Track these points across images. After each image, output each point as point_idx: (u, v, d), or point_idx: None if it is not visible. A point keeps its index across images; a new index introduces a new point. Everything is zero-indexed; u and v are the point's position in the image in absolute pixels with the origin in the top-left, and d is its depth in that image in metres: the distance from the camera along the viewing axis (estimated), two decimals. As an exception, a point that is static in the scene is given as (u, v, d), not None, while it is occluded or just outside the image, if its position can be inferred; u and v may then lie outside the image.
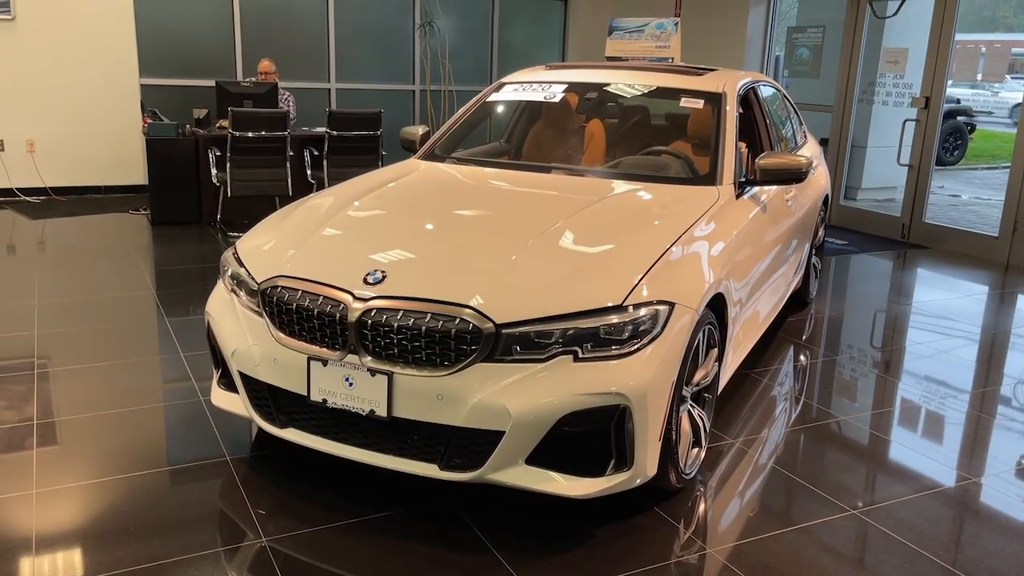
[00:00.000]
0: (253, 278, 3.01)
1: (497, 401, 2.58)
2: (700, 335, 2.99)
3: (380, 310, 2.68)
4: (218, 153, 7.30)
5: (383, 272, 2.79)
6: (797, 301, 5.45)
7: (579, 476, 2.68)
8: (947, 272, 6.86)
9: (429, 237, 3.06)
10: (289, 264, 2.97)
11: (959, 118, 13.90)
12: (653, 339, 2.69)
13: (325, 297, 2.78)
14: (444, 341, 2.61)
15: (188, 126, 7.77)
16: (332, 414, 2.82)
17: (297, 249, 3.05)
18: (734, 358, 3.67)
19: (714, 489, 3.15)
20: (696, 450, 3.16)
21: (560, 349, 2.62)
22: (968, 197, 11.28)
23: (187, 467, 3.16)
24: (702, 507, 3.01)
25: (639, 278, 2.76)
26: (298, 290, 2.85)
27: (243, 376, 3.00)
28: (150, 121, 7.61)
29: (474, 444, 2.66)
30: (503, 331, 2.60)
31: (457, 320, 2.61)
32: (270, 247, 3.16)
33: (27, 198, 8.41)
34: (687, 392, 3.01)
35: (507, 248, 2.90)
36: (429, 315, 2.64)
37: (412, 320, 2.64)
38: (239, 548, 2.66)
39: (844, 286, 6.39)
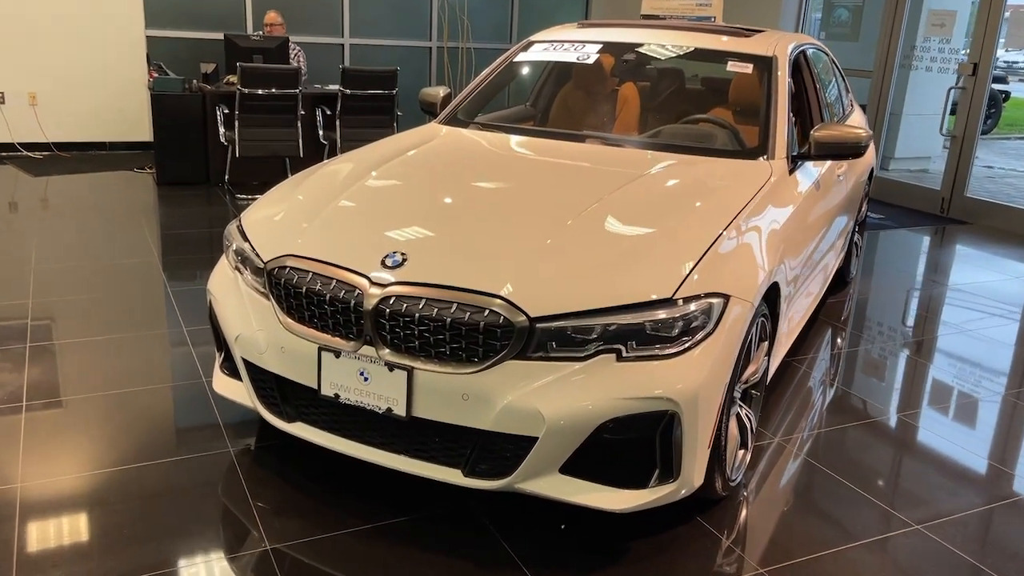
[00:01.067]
0: (259, 256, 2.72)
1: (530, 404, 2.29)
2: (753, 329, 2.69)
3: (400, 298, 2.39)
4: (226, 111, 6.97)
5: (403, 254, 2.49)
6: (837, 280, 5.13)
7: (619, 487, 2.40)
8: (991, 250, 6.52)
9: (454, 214, 2.75)
10: (300, 241, 2.67)
11: (993, 85, 13.39)
12: (705, 336, 2.40)
13: (338, 281, 2.49)
14: (471, 335, 2.33)
15: (195, 81, 7.43)
16: (345, 410, 2.55)
17: (309, 224, 2.75)
18: (782, 349, 3.38)
19: (759, 495, 2.87)
20: (742, 452, 2.88)
21: (601, 347, 2.32)
22: (1002, 169, 10.85)
23: (185, 459, 2.90)
24: (748, 517, 2.74)
25: (690, 267, 2.45)
26: (308, 272, 2.56)
27: (247, 364, 2.73)
28: (155, 75, 7.27)
29: (502, 450, 2.38)
30: (537, 325, 2.31)
31: (486, 312, 2.32)
32: (279, 220, 2.86)
33: (29, 153, 8.12)
34: (736, 391, 2.72)
35: (542, 230, 2.59)
36: (455, 305, 2.34)
37: (435, 310, 2.35)
38: (240, 555, 2.41)
39: (883, 264, 6.06)
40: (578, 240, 2.55)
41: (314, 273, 2.54)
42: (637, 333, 2.33)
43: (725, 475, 2.68)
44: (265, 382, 2.71)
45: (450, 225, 2.66)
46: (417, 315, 2.35)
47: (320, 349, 2.50)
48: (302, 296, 2.54)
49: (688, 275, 2.43)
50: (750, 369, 2.82)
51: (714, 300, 2.43)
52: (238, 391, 2.85)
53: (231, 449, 2.97)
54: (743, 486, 2.90)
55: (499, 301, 2.32)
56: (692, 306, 2.38)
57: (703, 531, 2.63)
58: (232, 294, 2.82)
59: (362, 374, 2.45)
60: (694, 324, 2.38)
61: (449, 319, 2.33)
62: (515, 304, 2.32)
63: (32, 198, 6.58)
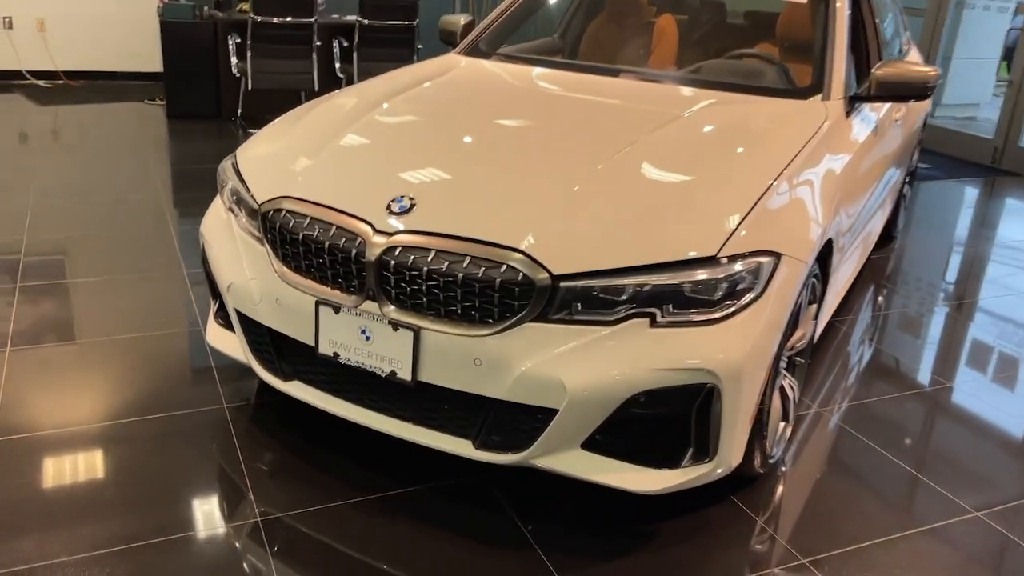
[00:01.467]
0: (253, 197, 2.45)
1: (550, 372, 2.03)
2: (804, 292, 2.40)
3: (406, 248, 2.11)
4: (238, 40, 6.64)
5: (412, 199, 2.21)
6: (883, 235, 4.79)
7: (647, 467, 2.15)
8: (1045, 205, 6.12)
9: (472, 155, 2.45)
10: (298, 182, 2.39)
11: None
12: (752, 300, 2.11)
13: (339, 227, 2.21)
14: (486, 293, 2.05)
15: (207, 8, 7.09)
16: (345, 370, 2.30)
17: (310, 162, 2.47)
18: (829, 310, 3.08)
19: (799, 473, 2.61)
20: (783, 425, 2.62)
21: (633, 310, 2.04)
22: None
23: (175, 416, 2.68)
24: (787, 498, 2.48)
25: (737, 221, 2.15)
26: (306, 216, 2.28)
27: (241, 316, 2.48)
28: (165, 1, 6.93)
29: (518, 421, 2.13)
30: (561, 284, 2.03)
31: (503, 267, 2.04)
32: (277, 158, 2.58)
33: (37, 82, 7.84)
34: (782, 360, 2.45)
35: (569, 175, 2.29)
36: (468, 259, 2.07)
37: (446, 264, 2.07)
38: (227, 527, 2.19)
39: (930, 218, 5.69)
40: (609, 188, 2.25)
41: (312, 218, 2.27)
42: (674, 295, 2.05)
43: (765, 451, 2.42)
44: (259, 336, 2.46)
45: (466, 168, 2.36)
46: (425, 269, 2.08)
47: (318, 303, 2.24)
48: (299, 243, 2.27)
49: (734, 230, 2.13)
50: (797, 335, 2.54)
51: (763, 259, 2.13)
52: (232, 344, 2.61)
53: (226, 406, 2.74)
54: (782, 462, 2.64)
55: (518, 256, 2.04)
56: (738, 265, 2.08)
57: (738, 513, 2.38)
58: (225, 238, 2.56)
59: (364, 332, 2.20)
60: (740, 286, 2.09)
61: (461, 275, 2.06)
62: (536, 259, 2.03)
63: (37, 129, 6.32)
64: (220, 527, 2.19)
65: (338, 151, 2.51)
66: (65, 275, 3.69)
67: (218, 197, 2.73)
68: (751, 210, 2.20)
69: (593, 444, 2.12)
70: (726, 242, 2.10)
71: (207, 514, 2.24)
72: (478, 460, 2.18)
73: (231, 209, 2.58)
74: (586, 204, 2.18)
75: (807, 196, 2.44)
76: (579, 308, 2.04)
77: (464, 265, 2.06)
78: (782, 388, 2.55)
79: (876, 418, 2.97)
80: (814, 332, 2.77)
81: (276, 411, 2.71)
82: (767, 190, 2.29)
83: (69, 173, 5.20)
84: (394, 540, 2.18)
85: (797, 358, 2.71)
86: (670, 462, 2.15)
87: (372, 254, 2.13)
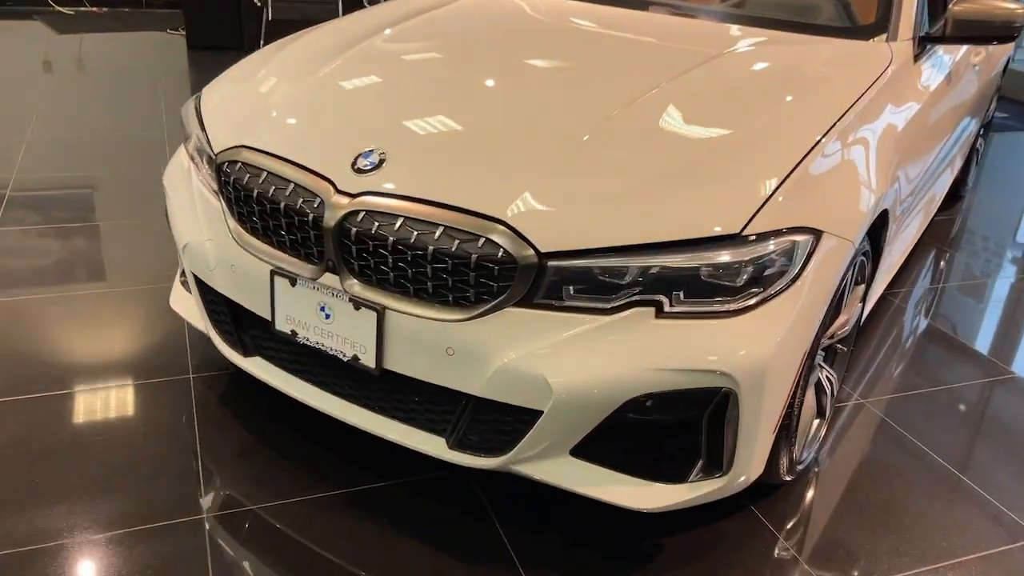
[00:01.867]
0: (211, 144, 2.13)
1: (533, 368, 1.70)
2: (850, 273, 2.02)
3: (371, 214, 1.78)
4: (260, -34, 6.27)
5: (382, 154, 1.87)
6: (950, 194, 4.31)
7: (648, 480, 1.82)
8: None
9: (461, 102, 2.08)
10: (260, 128, 2.06)
11: None
12: (784, 287, 1.74)
13: (297, 185, 1.89)
14: (460, 271, 1.72)
15: (229, -68, 6.69)
16: (307, 350, 2.00)
17: (276, 107, 2.13)
18: (881, 287, 2.69)
19: (831, 477, 2.26)
20: (817, 423, 2.26)
21: (635, 296, 1.69)
22: None
23: (135, 386, 2.42)
24: (817, 509, 2.14)
25: (771, 189, 1.77)
26: (262, 171, 1.96)
27: (198, 281, 2.18)
28: (186, -76, 6.56)
29: (497, 421, 1.81)
30: (549, 263, 1.69)
31: (481, 241, 1.70)
32: (242, 100, 2.25)
33: (60, 8, 7.57)
34: (819, 351, 2.08)
35: (572, 128, 1.92)
36: (441, 229, 1.73)
37: (415, 235, 1.74)
38: (167, 524, 1.93)
39: (1006, 174, 5.15)
40: (617, 145, 1.87)
41: (269, 173, 1.94)
42: (688, 280, 1.69)
43: (793, 457, 2.07)
44: (217, 304, 2.17)
45: (452, 118, 1.99)
46: (391, 239, 1.75)
47: (273, 273, 1.93)
48: (253, 201, 1.96)
49: (766, 201, 1.75)
50: (839, 321, 2.16)
51: (799, 238, 1.75)
52: (193, 310, 2.32)
53: (192, 376, 2.47)
54: (814, 463, 2.29)
55: (500, 228, 1.70)
56: (769, 245, 1.71)
57: (756, 527, 2.05)
58: (184, 191, 2.25)
59: (323, 309, 1.88)
60: (769, 271, 1.72)
61: (431, 248, 1.72)
62: (520, 233, 1.69)
63: (52, 58, 6.06)
64: (160, 523, 1.93)
65: (308, 95, 2.17)
66: (47, 218, 3.44)
67: (182, 144, 2.42)
68: (789, 175, 1.81)
69: (585, 451, 1.80)
70: (755, 216, 1.72)
71: (146, 506, 1.98)
72: (451, 462, 1.88)
73: (192, 158, 2.27)
74: (589, 164, 1.81)
75: (860, 158, 2.03)
76: (571, 292, 1.70)
77: (435, 237, 1.72)
78: (818, 382, 2.19)
79: (927, 412, 2.59)
80: (861, 314, 2.38)
81: (245, 386, 2.43)
82: (811, 151, 1.89)
83: (77, 107, 4.94)
84: (359, 543, 1.90)
85: (839, 345, 2.34)
86: (675, 476, 1.82)
87: (331, 219, 1.80)
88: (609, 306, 1.69)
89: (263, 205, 1.93)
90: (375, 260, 1.79)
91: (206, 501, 2.00)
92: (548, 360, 1.69)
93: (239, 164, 2.00)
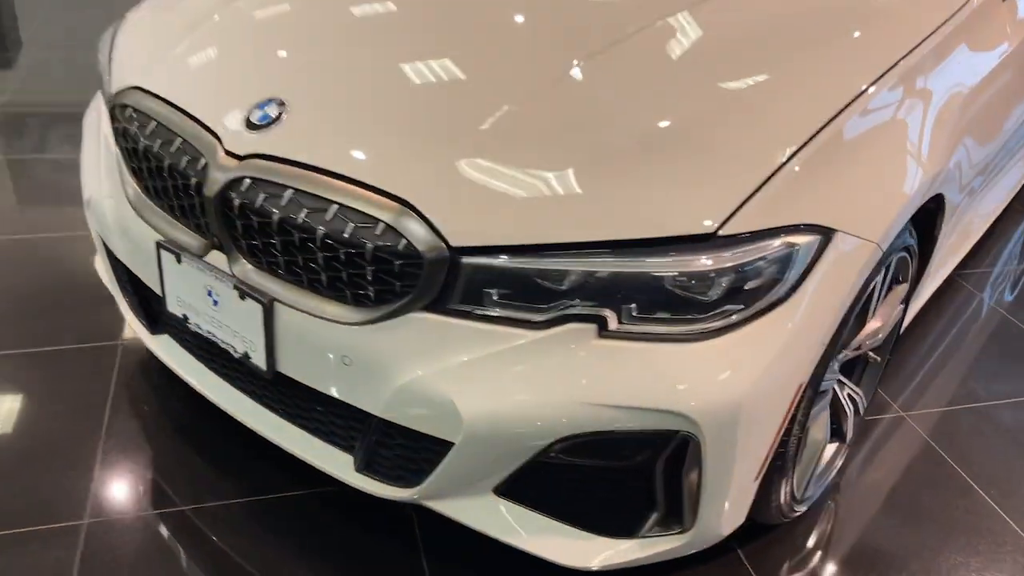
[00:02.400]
0: (110, 83, 1.79)
1: (441, 391, 1.33)
2: (879, 277, 1.58)
3: (257, 182, 1.42)
4: None
5: (282, 105, 1.49)
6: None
7: (588, 531, 1.45)
8: None
9: (383, 52, 1.64)
10: (160, 65, 1.71)
11: None
12: (775, 304, 1.32)
13: (184, 140, 1.54)
14: (355, 263, 1.35)
15: None
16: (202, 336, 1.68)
17: (185, 40, 1.76)
18: (936, 279, 2.21)
19: (848, 513, 1.85)
20: (834, 448, 1.85)
21: (574, 309, 1.30)
22: None
23: (56, 351, 2.15)
24: (826, 556, 1.74)
25: (765, 175, 1.33)
26: (152, 119, 1.61)
27: (103, 241, 1.88)
28: None
29: (407, 447, 1.46)
30: (464, 260, 1.30)
31: (380, 227, 1.32)
32: (155, 32, 1.89)
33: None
34: (833, 368, 1.66)
35: (512, 85, 1.50)
36: (335, 208, 1.36)
37: (303, 213, 1.37)
38: (47, 530, 1.67)
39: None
40: (573, 105, 1.45)
41: (159, 123, 1.60)
42: (643, 291, 1.29)
43: (792, 496, 1.67)
44: (120, 271, 1.87)
45: (372, 70, 1.59)
46: (276, 217, 1.39)
47: (159, 245, 1.60)
48: (140, 155, 1.62)
49: (758, 190, 1.32)
50: (868, 330, 1.73)
51: (800, 239, 1.32)
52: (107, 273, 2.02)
53: (120, 343, 2.19)
54: (830, 493, 1.89)
55: (405, 212, 1.32)
56: (755, 250, 1.29)
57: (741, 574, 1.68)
58: (94, 138, 1.93)
59: (210, 294, 1.55)
60: (753, 283, 1.30)
61: (321, 231, 1.36)
62: (432, 223, 1.30)
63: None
64: (30, 528, 1.67)
65: (222, 29, 1.78)
66: None
67: (106, 77, 2.09)
68: (797, 152, 1.37)
69: (512, 491, 1.44)
70: (738, 209, 1.29)
71: (24, 506, 1.72)
72: (358, 488, 1.54)
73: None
74: (523, 137, 1.40)
75: (910, 125, 1.57)
76: (494, 299, 1.32)
77: (327, 218, 1.36)
78: (835, 401, 1.78)
79: (983, 434, 2.13)
80: (901, 319, 1.93)
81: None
82: (836, 117, 1.44)
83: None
84: (261, 560, 1.61)
85: (871, 355, 1.90)
86: (624, 529, 1.45)
87: (213, 185, 1.45)
88: (540, 319, 1.31)
89: (148, 161, 1.59)
90: (263, 240, 1.43)
91: (92, 503, 1.73)
92: (461, 383, 1.33)
93: (129, 109, 1.66)
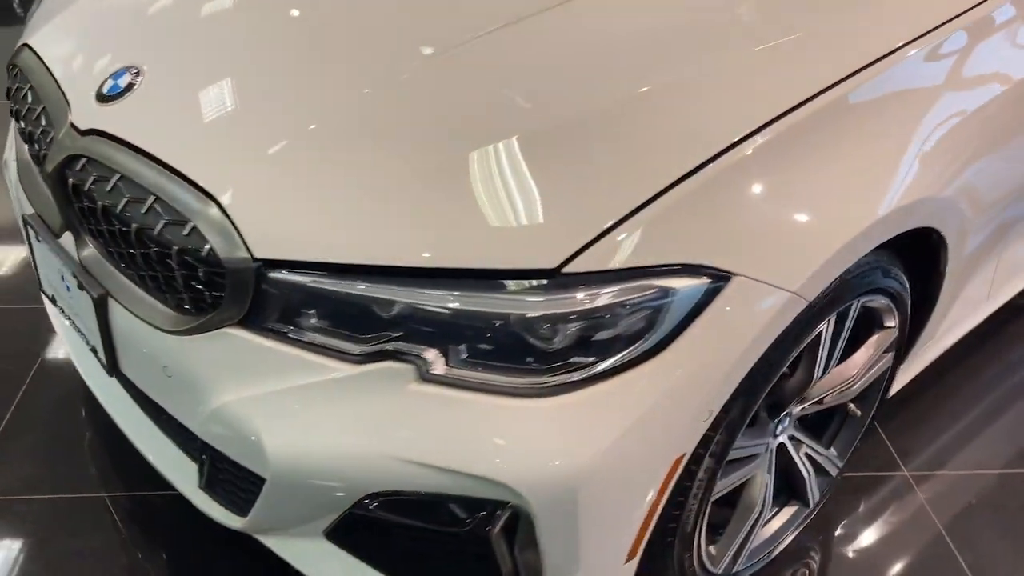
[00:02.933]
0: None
1: (250, 421, 1.15)
2: (825, 329, 1.28)
3: (91, 162, 1.27)
4: None
5: (136, 73, 1.33)
6: None
7: (428, 594, 1.25)
8: None
9: (250, 31, 1.42)
10: (51, 24, 1.58)
11: None
12: (640, 359, 1.07)
13: (45, 107, 1.40)
14: (167, 264, 1.18)
15: None
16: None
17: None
18: (965, 322, 1.84)
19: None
20: (792, 513, 1.58)
21: (397, 344, 1.08)
22: None
23: None
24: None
25: (637, 203, 1.06)
26: (28, 81, 1.49)
27: (19, 205, 1.79)
28: None
29: (231, 472, 1.29)
30: (271, 275, 1.11)
31: (187, 227, 1.14)
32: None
33: None
34: (783, 427, 1.39)
35: (361, 70, 1.28)
36: (151, 200, 1.19)
37: (123, 202, 1.21)
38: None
39: None
40: (424, 100, 1.22)
41: (32, 84, 1.47)
42: (474, 330, 1.06)
43: (704, 571, 1.41)
44: (29, 235, 1.77)
45: (237, 45, 1.39)
46: (100, 204, 1.24)
47: (23, 218, 1.49)
48: (19, 118, 1.50)
49: (624, 220, 1.05)
50: (830, 381, 1.44)
51: (678, 283, 1.06)
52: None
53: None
54: (800, 554, 1.61)
55: (212, 212, 1.13)
56: (609, 294, 1.04)
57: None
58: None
59: (63, 278, 1.42)
60: (606, 333, 1.05)
61: (135, 226, 1.19)
62: (236, 226, 1.11)
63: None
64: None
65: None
66: None
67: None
68: (690, 175, 1.08)
69: (346, 539, 1.25)
70: (593, 243, 1.03)
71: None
72: (199, 508, 1.39)
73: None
74: (357, 140, 1.18)
75: (869, 145, 1.24)
76: (312, 322, 1.12)
77: (143, 211, 1.19)
78: (788, 465, 1.50)
79: (996, 511, 1.78)
80: (891, 369, 1.59)
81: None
82: (756, 132, 1.14)
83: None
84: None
85: (851, 407, 1.59)
86: (464, 595, 1.23)
87: (52, 160, 1.31)
88: (358, 352, 1.10)
89: (24, 126, 1.47)
90: (99, 227, 1.28)
91: (-29, 480, 1.66)
92: (270, 416, 1.14)
93: (16, 69, 1.54)
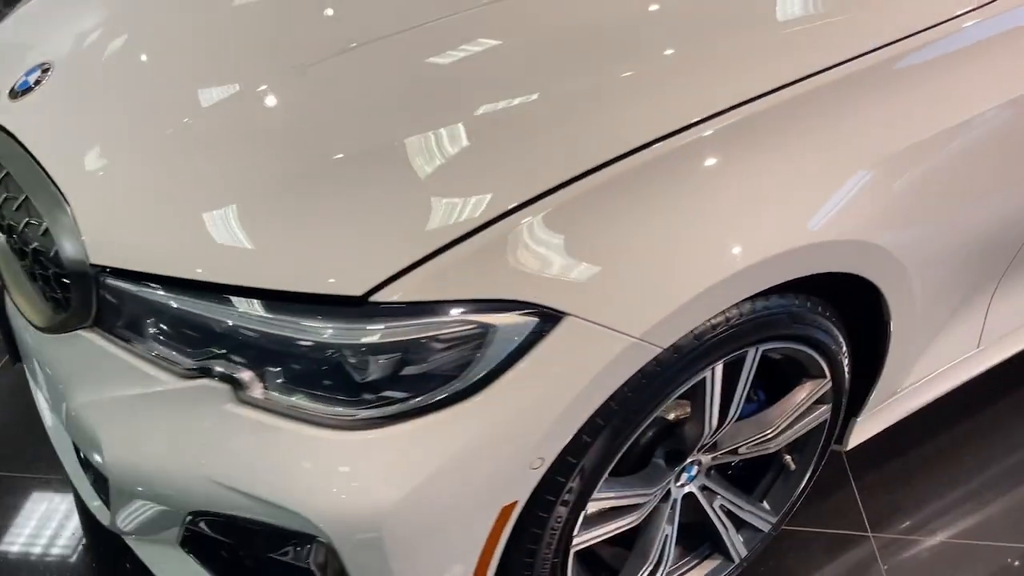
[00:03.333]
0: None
1: (92, 426, 1.15)
2: (710, 377, 1.18)
3: (-6, 156, 1.31)
4: None
5: (46, 69, 1.36)
6: None
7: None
8: None
9: (157, 32, 1.44)
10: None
11: None
12: (457, 397, 1.00)
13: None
14: (28, 262, 1.20)
15: None
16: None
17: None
18: (958, 372, 1.66)
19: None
20: (711, 568, 1.47)
21: (216, 361, 1.05)
22: None
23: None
24: None
25: (463, 232, 0.99)
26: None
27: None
28: None
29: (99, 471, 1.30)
30: (108, 280, 1.10)
31: (42, 228, 1.15)
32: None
33: None
34: (700, 465, 1.31)
35: (218, 89, 1.26)
36: (23, 198, 1.21)
37: (3, 197, 1.24)
38: None
39: None
40: (280, 117, 1.19)
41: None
42: (289, 355, 1.02)
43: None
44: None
45: (139, 46, 1.40)
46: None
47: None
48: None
49: (444, 249, 0.98)
50: (742, 429, 1.33)
51: (500, 320, 0.98)
52: None
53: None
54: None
55: (62, 211, 1.14)
56: (420, 326, 0.97)
57: None
58: None
59: (-18, 267, 1.46)
60: (417, 367, 0.99)
61: (7, 223, 1.22)
62: (79, 229, 1.11)
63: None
64: None
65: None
66: None
67: None
68: (528, 204, 1.01)
69: (200, 551, 1.23)
70: (408, 271, 0.97)
71: None
72: (84, 501, 1.40)
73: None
74: (203, 149, 1.16)
75: (752, 177, 1.11)
76: (152, 332, 1.10)
77: (15, 208, 1.21)
78: (704, 516, 1.39)
79: (964, 586, 1.61)
80: (831, 420, 1.45)
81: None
82: (614, 162, 1.04)
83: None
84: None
85: (787, 459, 1.47)
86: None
87: (-43, 152, 1.35)
88: (184, 366, 1.07)
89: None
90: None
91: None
92: (112, 422, 1.14)
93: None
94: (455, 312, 0.97)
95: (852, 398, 1.48)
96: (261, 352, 1.02)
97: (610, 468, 1.15)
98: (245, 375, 1.03)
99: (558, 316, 0.99)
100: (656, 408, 1.14)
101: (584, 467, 1.10)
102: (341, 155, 1.08)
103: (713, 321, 1.08)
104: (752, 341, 1.18)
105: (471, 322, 0.97)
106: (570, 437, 1.05)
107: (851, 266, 1.20)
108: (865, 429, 1.59)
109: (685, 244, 1.04)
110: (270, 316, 1.00)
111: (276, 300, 1.00)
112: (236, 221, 1.06)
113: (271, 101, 1.20)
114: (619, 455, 1.14)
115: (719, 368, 1.17)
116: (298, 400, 1.02)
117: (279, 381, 1.03)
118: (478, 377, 0.99)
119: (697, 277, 1.03)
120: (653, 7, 1.32)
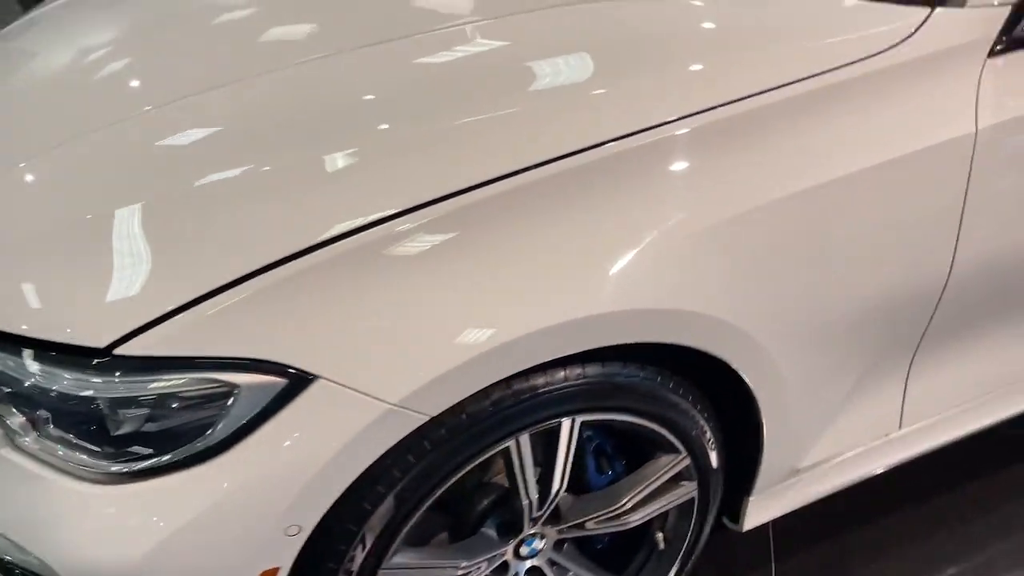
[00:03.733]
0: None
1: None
2: (515, 447, 1.11)
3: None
4: None
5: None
6: None
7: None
8: None
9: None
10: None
11: None
12: (202, 456, 0.97)
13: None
14: None
15: None
16: None
17: None
18: (879, 454, 1.53)
19: None
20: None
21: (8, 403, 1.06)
22: None
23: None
24: None
25: (215, 286, 0.96)
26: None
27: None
28: None
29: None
30: None
31: None
32: None
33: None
34: (545, 538, 1.25)
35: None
36: None
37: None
38: None
39: None
40: (49, 187, 1.21)
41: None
42: (46, 405, 1.01)
43: None
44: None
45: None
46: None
47: None
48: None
49: (199, 301, 0.96)
50: (587, 504, 1.25)
51: (244, 379, 0.95)
52: None
53: None
54: None
55: None
56: (161, 382, 0.96)
57: None
58: None
59: None
60: (158, 424, 0.97)
61: None
62: None
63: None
64: None
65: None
66: None
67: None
68: (286, 261, 0.97)
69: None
70: (154, 324, 0.95)
71: None
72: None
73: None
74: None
75: (593, 240, 1.05)
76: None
77: None
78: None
79: None
80: (701, 499, 1.35)
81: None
82: (372, 226, 1.00)
83: None
84: None
85: (658, 536, 1.37)
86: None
87: None
88: (-7, 404, 1.09)
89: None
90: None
91: None
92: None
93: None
94: (198, 370, 0.95)
95: (743, 475, 1.38)
96: (23, 398, 1.02)
97: (402, 535, 1.09)
98: (16, 420, 1.03)
99: (309, 378, 0.95)
100: (449, 477, 1.08)
101: (365, 535, 1.06)
102: (90, 216, 1.08)
103: (492, 390, 1.02)
104: (566, 412, 1.11)
105: (214, 380, 0.95)
106: (329, 505, 1.00)
107: (680, 339, 1.11)
108: (764, 509, 1.47)
109: (446, 314, 0.99)
110: (21, 361, 0.99)
111: (27, 347, 1.00)
112: (26, 263, 1.07)
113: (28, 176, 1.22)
114: (411, 523, 1.09)
115: (524, 438, 1.11)
116: (62, 450, 1.01)
117: (50, 430, 1.02)
118: (222, 438, 0.96)
119: (459, 347, 0.98)
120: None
